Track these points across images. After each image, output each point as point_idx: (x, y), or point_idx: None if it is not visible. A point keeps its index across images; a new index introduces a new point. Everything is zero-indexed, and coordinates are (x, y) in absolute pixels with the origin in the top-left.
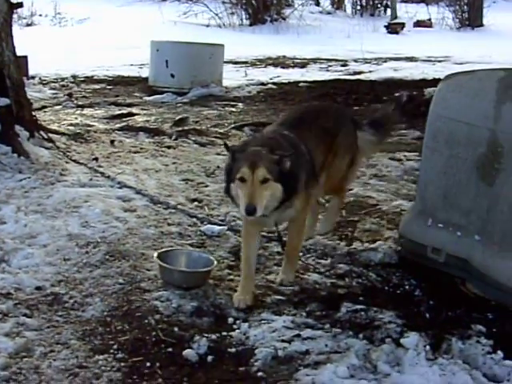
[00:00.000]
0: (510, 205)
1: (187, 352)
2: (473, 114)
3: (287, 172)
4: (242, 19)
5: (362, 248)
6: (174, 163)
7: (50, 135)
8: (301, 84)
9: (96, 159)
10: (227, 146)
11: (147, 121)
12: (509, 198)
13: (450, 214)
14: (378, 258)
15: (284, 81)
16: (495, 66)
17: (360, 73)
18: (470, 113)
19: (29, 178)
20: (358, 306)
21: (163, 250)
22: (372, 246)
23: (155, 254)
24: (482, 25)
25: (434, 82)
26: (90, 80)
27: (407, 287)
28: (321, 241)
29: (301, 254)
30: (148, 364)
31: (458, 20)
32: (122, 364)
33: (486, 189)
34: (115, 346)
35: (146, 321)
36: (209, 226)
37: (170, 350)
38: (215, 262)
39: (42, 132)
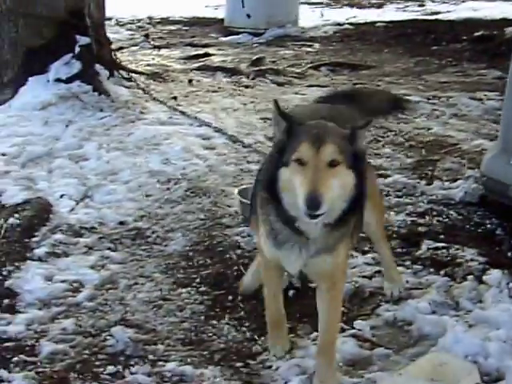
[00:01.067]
0: None
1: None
2: None
3: (362, 155)
4: None
5: (442, 187)
6: (252, 102)
7: (130, 75)
8: (377, 24)
9: (175, 98)
10: (283, 113)
11: (224, 61)
12: None
13: None
14: (458, 197)
15: (360, 21)
16: None
17: (438, 13)
18: None
19: (109, 115)
20: (439, 244)
21: (243, 186)
22: (452, 184)
23: (235, 191)
24: None
25: None
26: (165, 21)
27: (488, 226)
28: (400, 179)
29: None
30: (230, 297)
31: None
32: (205, 297)
33: None
34: (198, 280)
35: (228, 255)
36: None
37: None
38: None
39: (121, 71)
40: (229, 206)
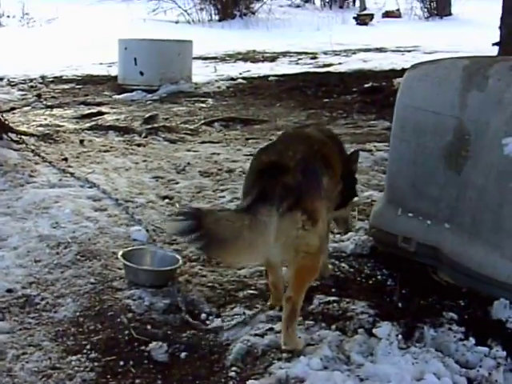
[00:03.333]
0: (478, 192)
1: (160, 349)
2: (439, 103)
3: None
4: (211, 15)
5: (333, 239)
6: (145, 161)
7: (20, 137)
8: (270, 78)
9: (66, 159)
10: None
11: (117, 119)
12: (477, 185)
13: (419, 203)
14: (349, 249)
15: (254, 75)
16: (463, 55)
17: (330, 65)
18: (436, 102)
19: None
20: (331, 298)
21: (128, 248)
22: (344, 237)
23: (120, 253)
24: (450, 14)
25: (403, 71)
26: (58, 80)
27: (379, 277)
28: None
29: None
30: (121, 363)
31: (426, 9)
32: (96, 364)
33: (454, 177)
34: (88, 346)
35: (119, 320)
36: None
37: (142, 348)
38: (181, 261)
39: (10, 133)
40: (119, 269)
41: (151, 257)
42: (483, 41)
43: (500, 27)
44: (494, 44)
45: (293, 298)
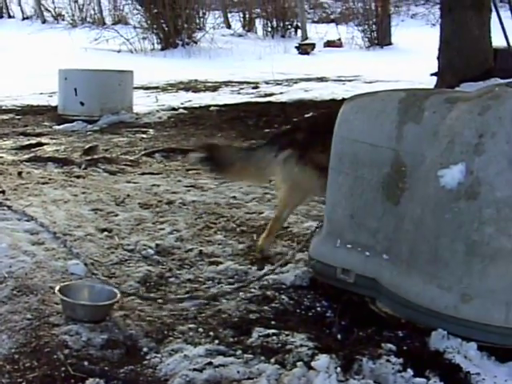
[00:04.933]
0: (415, 223)
1: None
2: (376, 135)
3: None
4: (153, 44)
5: (273, 271)
6: (84, 193)
7: None
8: (211, 108)
9: (3, 192)
10: None
11: (57, 150)
12: (414, 216)
13: (357, 235)
14: (289, 281)
15: (195, 105)
16: (403, 84)
17: (271, 94)
18: (373, 134)
19: None
20: (270, 331)
21: (66, 283)
22: (284, 268)
23: (56, 288)
24: (390, 43)
25: (343, 101)
26: None
27: (319, 309)
28: (232, 266)
29: (210, 282)
30: None
31: (367, 39)
32: None
33: (391, 208)
34: None
35: (55, 356)
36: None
37: None
38: (118, 295)
39: None
40: (57, 304)
41: (89, 291)
42: (422, 70)
43: (438, 58)
44: (432, 74)
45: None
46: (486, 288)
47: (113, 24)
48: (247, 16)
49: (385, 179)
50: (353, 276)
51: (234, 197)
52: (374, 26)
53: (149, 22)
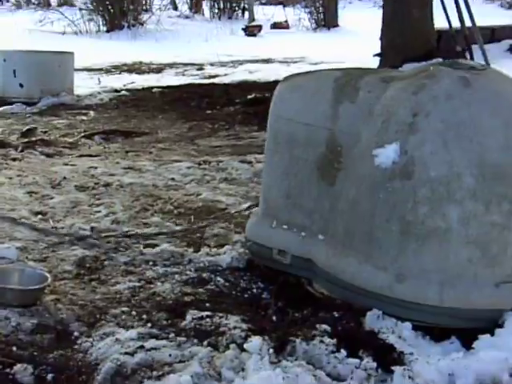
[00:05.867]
0: (351, 203)
1: (25, 372)
2: (311, 115)
3: None
4: (99, 26)
5: (210, 253)
6: (19, 176)
7: None
8: (154, 90)
9: None
10: None
11: None
12: (349, 196)
13: (293, 215)
14: (225, 263)
15: (138, 87)
16: (347, 66)
17: (215, 76)
18: (308, 113)
19: None
20: (204, 313)
21: None
22: (220, 250)
23: None
24: (337, 25)
25: None
26: None
27: (255, 291)
28: (169, 248)
29: (145, 264)
30: None
31: (314, 21)
32: None
33: (327, 188)
34: None
35: None
36: None
37: (7, 370)
38: (49, 279)
39: None
40: None
41: (19, 275)
42: (368, 52)
43: (380, 38)
44: (375, 55)
45: None
46: (420, 268)
47: (58, 6)
48: None
49: (320, 159)
50: (289, 257)
51: (173, 178)
52: (321, 8)
53: (94, 3)
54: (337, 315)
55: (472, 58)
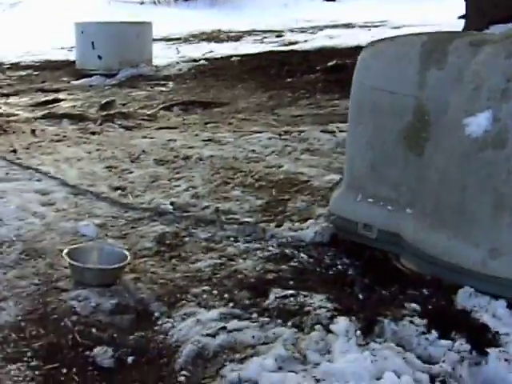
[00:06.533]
0: (440, 175)
1: (105, 354)
2: (396, 82)
3: None
4: None
5: (292, 228)
6: (98, 150)
7: None
8: (233, 58)
9: (15, 151)
10: None
11: (73, 106)
12: (438, 168)
13: (379, 188)
14: (309, 238)
15: (217, 56)
16: (430, 29)
17: (295, 43)
18: (393, 81)
19: None
20: (288, 292)
21: (74, 246)
22: (303, 225)
23: (64, 251)
24: None
25: None
26: (16, 66)
27: (339, 267)
28: (250, 223)
29: (226, 240)
30: (64, 371)
31: None
32: (37, 373)
33: (414, 159)
34: (29, 354)
35: (63, 323)
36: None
37: (87, 353)
38: (128, 258)
39: None
40: (66, 268)
41: (98, 254)
42: (451, 14)
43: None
44: (459, 17)
45: None
46: None
47: None
48: None
49: (406, 129)
50: (375, 231)
51: (253, 150)
52: None
53: None
54: (426, 293)
55: None
